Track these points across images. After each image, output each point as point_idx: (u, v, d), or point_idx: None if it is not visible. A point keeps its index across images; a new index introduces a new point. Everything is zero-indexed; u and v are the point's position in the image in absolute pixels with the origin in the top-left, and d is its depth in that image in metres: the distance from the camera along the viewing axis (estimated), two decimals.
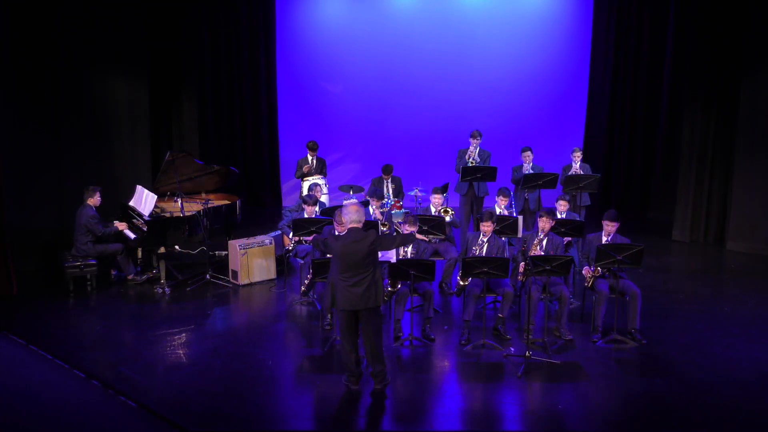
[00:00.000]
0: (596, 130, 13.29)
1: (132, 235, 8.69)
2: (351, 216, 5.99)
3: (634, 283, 7.27)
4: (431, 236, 8.11)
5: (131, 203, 8.99)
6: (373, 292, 5.91)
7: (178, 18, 11.08)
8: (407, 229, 7.27)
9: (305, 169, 10.65)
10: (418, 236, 7.51)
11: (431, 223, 8.07)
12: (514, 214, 8.71)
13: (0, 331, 7.23)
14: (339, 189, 11.20)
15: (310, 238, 7.86)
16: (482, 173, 9.54)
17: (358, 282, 5.87)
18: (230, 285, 8.89)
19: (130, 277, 8.86)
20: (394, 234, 8.42)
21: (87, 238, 8.54)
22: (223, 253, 9.67)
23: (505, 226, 8.21)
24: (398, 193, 10.33)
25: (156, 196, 8.72)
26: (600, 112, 13.23)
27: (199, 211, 8.79)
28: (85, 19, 9.57)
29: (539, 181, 9.41)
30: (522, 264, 7.18)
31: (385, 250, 6.46)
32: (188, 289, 8.71)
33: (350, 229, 5.96)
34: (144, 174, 10.33)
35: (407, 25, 13.10)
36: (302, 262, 8.43)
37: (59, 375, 6.42)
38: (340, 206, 8.95)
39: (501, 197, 8.71)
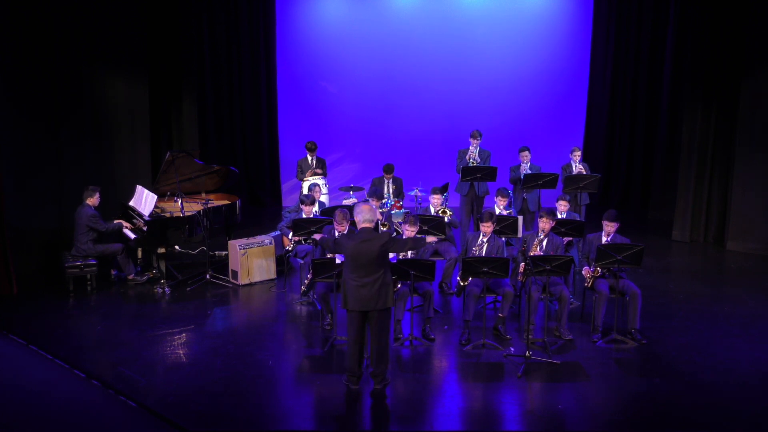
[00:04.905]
0: (596, 130, 13.29)
1: (132, 235, 8.69)
2: (363, 215, 5.96)
3: (634, 283, 7.28)
4: (432, 236, 8.10)
5: (131, 203, 8.99)
6: (384, 293, 5.90)
7: (178, 18, 11.07)
8: (407, 228, 7.26)
9: (308, 174, 10.66)
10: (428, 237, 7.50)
11: (431, 223, 8.07)
12: (513, 214, 8.71)
13: (0, 331, 7.24)
14: (339, 189, 11.21)
15: (317, 237, 7.81)
16: (482, 173, 9.54)
17: (369, 283, 5.86)
18: (230, 285, 8.89)
19: (130, 277, 8.86)
20: (394, 234, 8.42)
21: (87, 238, 8.54)
22: (223, 253, 9.67)
23: (504, 226, 8.21)
24: (398, 193, 10.33)
25: (156, 196, 8.72)
26: (600, 112, 13.23)
27: (199, 211, 8.80)
28: (85, 18, 9.56)
29: (539, 181, 9.42)
30: (522, 264, 7.18)
31: (397, 252, 6.44)
32: (188, 289, 8.71)
33: (362, 229, 5.95)
34: (144, 174, 10.32)
35: (407, 25, 13.10)
36: (302, 262, 8.43)
37: (59, 375, 6.42)
38: (341, 206, 8.97)
39: (500, 197, 8.71)
